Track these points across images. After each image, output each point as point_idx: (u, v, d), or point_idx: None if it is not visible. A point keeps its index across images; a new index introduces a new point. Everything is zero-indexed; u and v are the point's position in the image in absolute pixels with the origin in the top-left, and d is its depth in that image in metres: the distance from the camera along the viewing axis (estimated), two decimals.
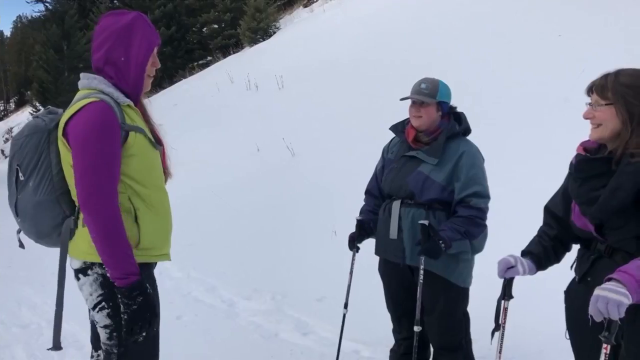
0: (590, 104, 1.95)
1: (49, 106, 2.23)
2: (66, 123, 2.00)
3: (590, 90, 1.96)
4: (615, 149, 1.88)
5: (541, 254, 2.19)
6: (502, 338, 2.26)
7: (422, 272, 2.77)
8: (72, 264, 2.12)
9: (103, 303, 2.09)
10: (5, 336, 4.31)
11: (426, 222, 2.73)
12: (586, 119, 1.96)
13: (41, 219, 2.09)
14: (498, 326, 2.25)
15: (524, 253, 2.23)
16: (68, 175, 2.06)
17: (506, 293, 2.24)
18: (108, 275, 2.02)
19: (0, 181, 2.97)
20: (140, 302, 2.01)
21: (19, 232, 2.21)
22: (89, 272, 2.08)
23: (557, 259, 2.21)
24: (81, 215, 2.04)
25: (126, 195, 2.06)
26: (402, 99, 2.96)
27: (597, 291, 1.67)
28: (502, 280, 2.25)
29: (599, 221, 1.92)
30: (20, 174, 2.06)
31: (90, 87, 2.08)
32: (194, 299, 4.99)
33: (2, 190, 3.11)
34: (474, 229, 2.75)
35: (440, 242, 2.67)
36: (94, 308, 2.11)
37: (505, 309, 2.25)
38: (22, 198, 2.08)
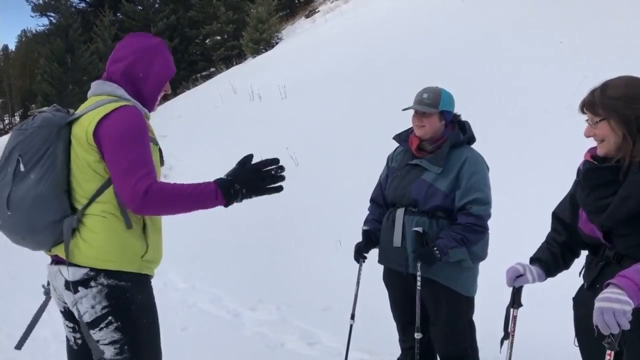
0: (587, 121, 1.95)
1: (55, 104, 2.21)
2: (99, 123, 1.98)
3: (582, 108, 1.96)
4: (621, 157, 1.88)
5: (550, 260, 2.18)
6: (511, 347, 2.25)
7: (419, 278, 2.78)
8: (69, 276, 1.99)
9: (110, 317, 2.00)
10: (11, 349, 4.29)
11: (420, 229, 2.74)
12: (587, 137, 1.96)
13: (38, 213, 1.97)
14: (507, 335, 2.24)
15: (533, 260, 2.22)
16: (80, 174, 2.02)
17: (515, 301, 2.23)
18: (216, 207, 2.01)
19: None
20: (243, 182, 2.01)
21: None
22: (92, 283, 1.98)
23: (566, 265, 2.20)
24: (88, 219, 2.01)
25: None
26: (404, 109, 2.97)
27: (599, 303, 1.66)
28: (509, 288, 2.24)
29: (607, 229, 1.91)
30: (21, 165, 1.97)
31: (115, 94, 2.10)
32: (199, 310, 4.98)
33: None
34: (471, 236, 2.75)
35: (435, 249, 2.68)
36: (95, 324, 2.00)
37: (515, 318, 2.23)
38: (18, 189, 1.96)
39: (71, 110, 2.12)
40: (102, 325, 2.00)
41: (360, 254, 3.10)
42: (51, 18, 28.57)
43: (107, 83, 2.14)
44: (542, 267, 2.18)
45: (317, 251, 5.53)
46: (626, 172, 1.86)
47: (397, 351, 3.21)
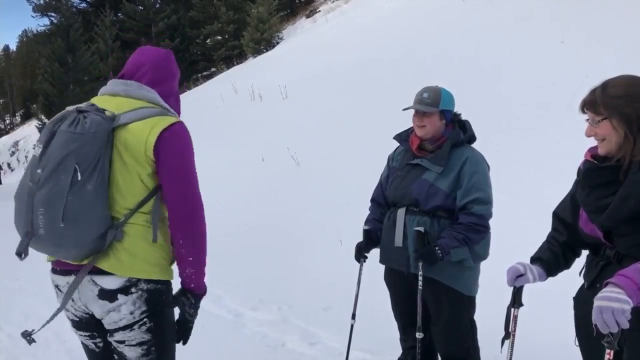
0: (588, 120, 1.95)
1: (91, 102, 2.08)
2: (159, 136, 1.96)
3: (583, 108, 1.96)
4: (622, 157, 1.88)
5: (550, 259, 2.18)
6: (512, 346, 2.25)
7: (421, 278, 2.78)
8: (107, 284, 1.96)
9: (146, 319, 2.01)
10: (12, 349, 4.31)
11: (421, 229, 2.74)
12: (589, 136, 1.95)
13: (92, 226, 1.89)
14: (508, 334, 2.24)
15: (534, 259, 2.22)
16: (125, 184, 1.96)
17: (516, 301, 2.23)
18: (191, 285, 2.16)
19: (2, 196, 2.97)
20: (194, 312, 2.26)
21: (28, 239, 1.91)
22: (133, 289, 1.97)
23: (567, 264, 2.20)
24: (131, 228, 1.97)
25: None
26: (404, 109, 2.96)
27: (598, 302, 1.66)
28: (509, 288, 2.24)
29: (608, 229, 1.91)
30: (78, 174, 1.85)
31: (158, 102, 2.08)
32: (200, 309, 4.98)
33: (5, 204, 3.13)
34: (473, 235, 2.75)
35: (437, 248, 2.68)
36: (128, 327, 2.00)
37: (515, 317, 2.23)
38: (75, 201, 1.85)
39: (108, 112, 1.98)
40: (135, 327, 2.00)
41: (361, 253, 3.10)
42: (52, 18, 28.64)
43: (146, 87, 2.09)
44: (542, 266, 2.18)
45: (318, 251, 5.54)
46: (626, 171, 1.86)
47: (398, 351, 3.21)
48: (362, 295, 3.23)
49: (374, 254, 3.12)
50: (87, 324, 2.09)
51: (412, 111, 2.94)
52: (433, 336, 2.96)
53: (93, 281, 1.96)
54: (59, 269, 2.05)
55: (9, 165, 31.83)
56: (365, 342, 3.66)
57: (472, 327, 2.97)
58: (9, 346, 4.40)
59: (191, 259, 2.06)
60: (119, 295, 1.96)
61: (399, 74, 8.82)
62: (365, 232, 3.09)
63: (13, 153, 34.88)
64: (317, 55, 12.60)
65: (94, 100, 2.11)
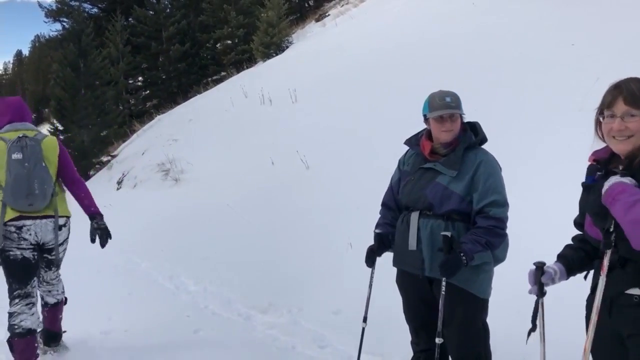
0: (611, 116, 1.90)
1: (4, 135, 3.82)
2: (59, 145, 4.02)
3: (608, 104, 1.91)
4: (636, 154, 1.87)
5: (569, 257, 2.18)
6: (543, 340, 2.24)
7: (444, 284, 2.75)
8: (59, 221, 3.84)
9: (68, 238, 4.00)
10: None
11: (449, 234, 2.71)
12: (617, 131, 1.89)
13: (50, 188, 3.78)
14: (534, 326, 2.23)
15: (557, 257, 2.23)
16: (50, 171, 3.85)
17: (542, 292, 2.22)
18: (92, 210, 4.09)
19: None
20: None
21: (31, 197, 3.68)
22: (66, 224, 3.96)
23: (591, 262, 2.16)
24: (58, 192, 3.90)
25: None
26: (434, 117, 2.86)
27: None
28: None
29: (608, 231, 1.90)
30: (44, 163, 3.76)
31: (37, 129, 3.98)
32: (210, 312, 5.00)
33: None
34: (494, 239, 2.74)
35: (462, 254, 2.66)
36: (62, 245, 3.94)
37: (542, 306, 2.22)
38: (45, 175, 3.74)
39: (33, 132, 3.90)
40: (64, 245, 4.00)
41: (372, 257, 3.08)
42: (64, 23, 28.80)
43: (30, 124, 3.97)
44: (563, 263, 2.19)
45: (327, 254, 5.53)
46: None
47: (409, 354, 3.20)
48: (373, 298, 3.22)
49: (385, 257, 3.11)
50: (38, 247, 3.78)
51: (420, 117, 2.95)
52: (445, 339, 2.95)
53: (52, 221, 3.80)
54: (27, 216, 3.70)
55: None
56: (375, 345, 3.65)
57: (484, 331, 2.95)
58: None
59: (86, 201, 4.03)
60: (62, 228, 3.90)
61: (408, 77, 8.81)
62: (377, 235, 3.08)
63: None
64: (326, 59, 12.61)
65: (6, 134, 3.76)
